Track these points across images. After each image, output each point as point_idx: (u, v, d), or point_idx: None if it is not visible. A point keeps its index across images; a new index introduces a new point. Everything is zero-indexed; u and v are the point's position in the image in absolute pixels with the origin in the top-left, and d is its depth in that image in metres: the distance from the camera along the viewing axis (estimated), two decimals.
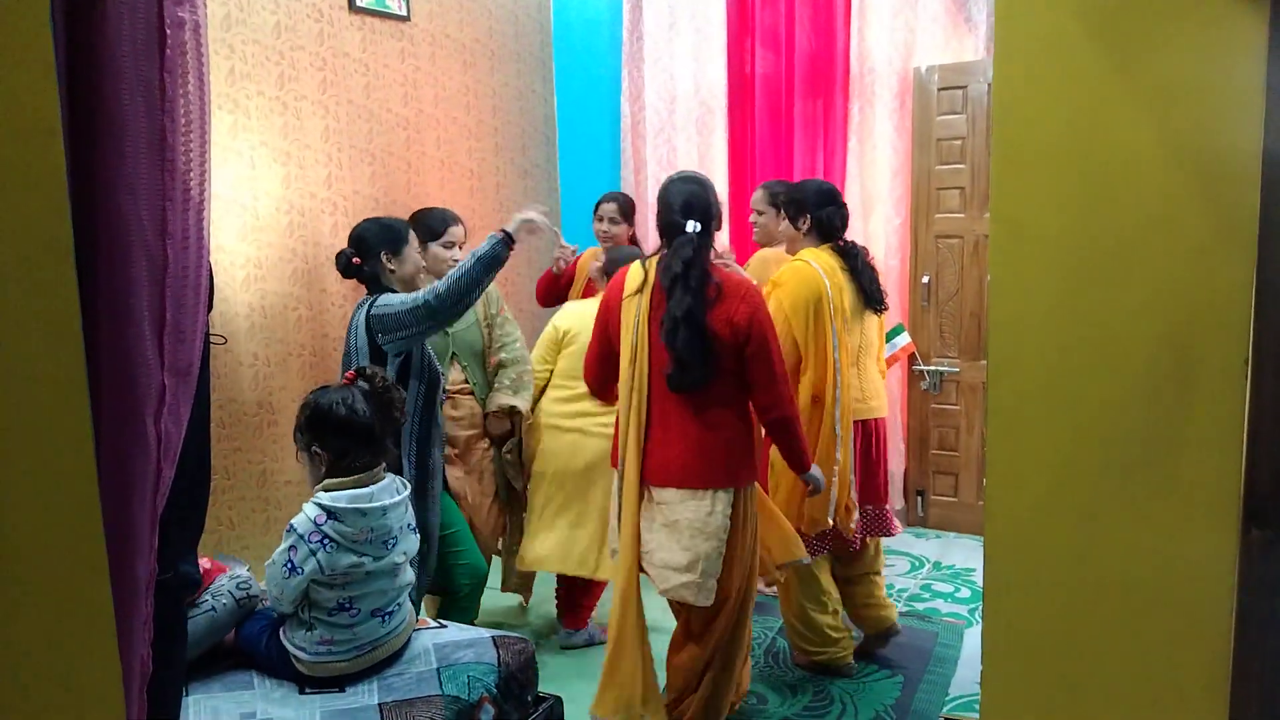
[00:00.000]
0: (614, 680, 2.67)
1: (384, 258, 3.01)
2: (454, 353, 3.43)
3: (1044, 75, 1.53)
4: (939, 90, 4.50)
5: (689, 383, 2.56)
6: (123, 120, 1.17)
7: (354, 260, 3.02)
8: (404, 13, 4.26)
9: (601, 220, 4.06)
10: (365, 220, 3.19)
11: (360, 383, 2.37)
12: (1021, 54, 1.54)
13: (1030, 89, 1.54)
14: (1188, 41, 1.44)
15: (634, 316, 2.65)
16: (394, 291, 2.96)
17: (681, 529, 2.58)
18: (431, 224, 3.40)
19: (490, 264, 2.83)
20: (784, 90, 4.94)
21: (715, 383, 2.58)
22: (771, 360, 2.58)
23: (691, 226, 2.60)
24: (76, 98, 1.14)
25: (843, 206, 3.30)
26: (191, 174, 1.24)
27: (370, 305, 2.88)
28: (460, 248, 3.50)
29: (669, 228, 2.66)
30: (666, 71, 5.21)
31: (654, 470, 2.63)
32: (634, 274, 2.71)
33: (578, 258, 4.07)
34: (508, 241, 2.86)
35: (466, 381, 3.46)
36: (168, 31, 1.19)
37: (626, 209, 4.07)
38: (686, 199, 2.65)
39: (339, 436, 2.28)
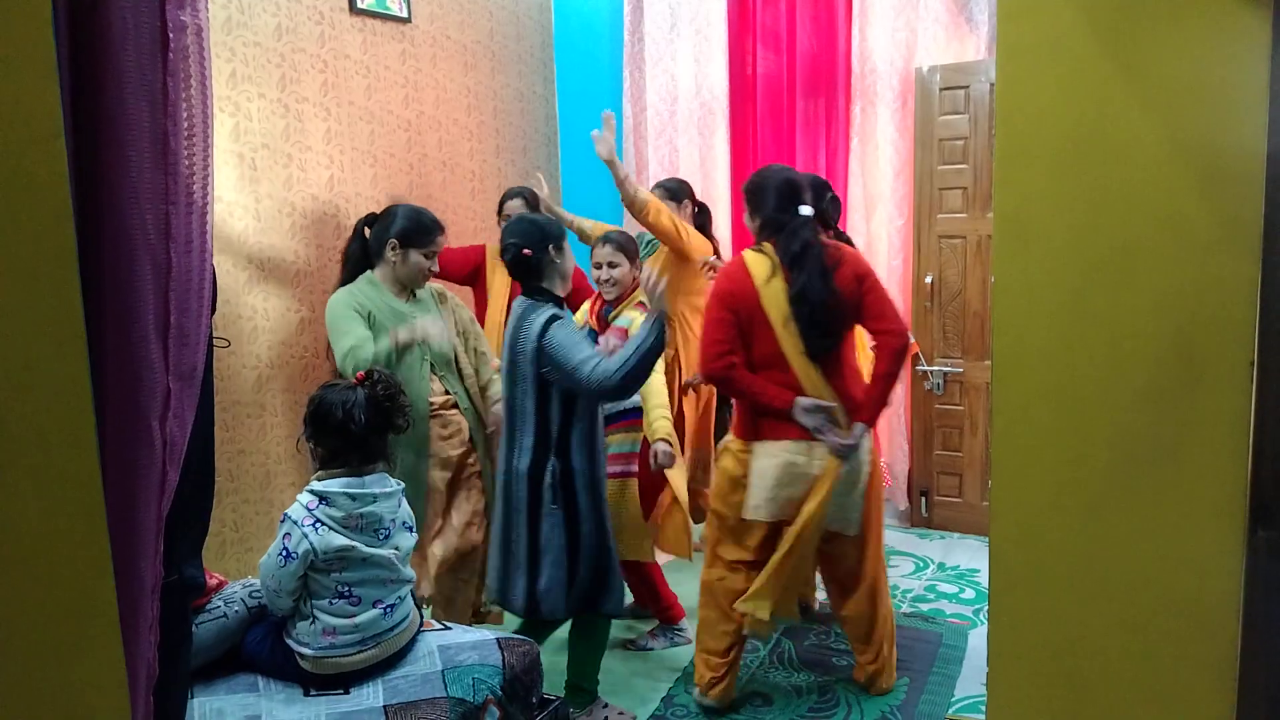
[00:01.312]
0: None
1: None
2: (430, 362, 3.17)
3: (1048, 75, 1.53)
4: (941, 90, 4.49)
5: (826, 347, 2.88)
6: (125, 124, 1.17)
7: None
8: (405, 15, 4.26)
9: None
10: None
11: (367, 386, 2.37)
12: (1025, 54, 1.54)
13: (1034, 89, 1.54)
14: (1192, 42, 1.43)
15: (780, 297, 2.86)
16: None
17: (840, 473, 2.88)
18: (422, 228, 3.17)
19: (655, 354, 2.69)
20: (785, 91, 4.93)
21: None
22: (883, 291, 2.94)
23: (805, 210, 2.91)
24: (79, 102, 1.14)
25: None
26: (194, 177, 1.24)
27: (547, 328, 2.71)
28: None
29: (776, 215, 2.92)
30: (668, 72, 5.20)
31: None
32: (757, 262, 2.90)
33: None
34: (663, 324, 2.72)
35: (448, 393, 3.22)
36: (170, 35, 1.19)
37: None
38: (789, 186, 2.94)
39: (333, 437, 2.33)
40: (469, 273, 4.06)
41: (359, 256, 3.20)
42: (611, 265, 3.39)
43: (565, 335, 2.69)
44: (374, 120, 4.10)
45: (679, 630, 3.62)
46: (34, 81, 0.98)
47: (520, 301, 2.85)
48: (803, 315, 2.83)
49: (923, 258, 4.62)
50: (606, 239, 3.45)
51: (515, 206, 3.92)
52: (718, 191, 5.15)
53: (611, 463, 3.31)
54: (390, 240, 3.08)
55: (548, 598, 2.75)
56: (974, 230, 4.50)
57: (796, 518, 2.88)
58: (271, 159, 3.61)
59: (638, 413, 3.36)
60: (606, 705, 3.03)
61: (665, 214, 3.73)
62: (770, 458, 2.90)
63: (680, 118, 5.20)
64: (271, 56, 3.60)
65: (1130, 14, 1.47)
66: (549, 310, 2.75)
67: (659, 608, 3.63)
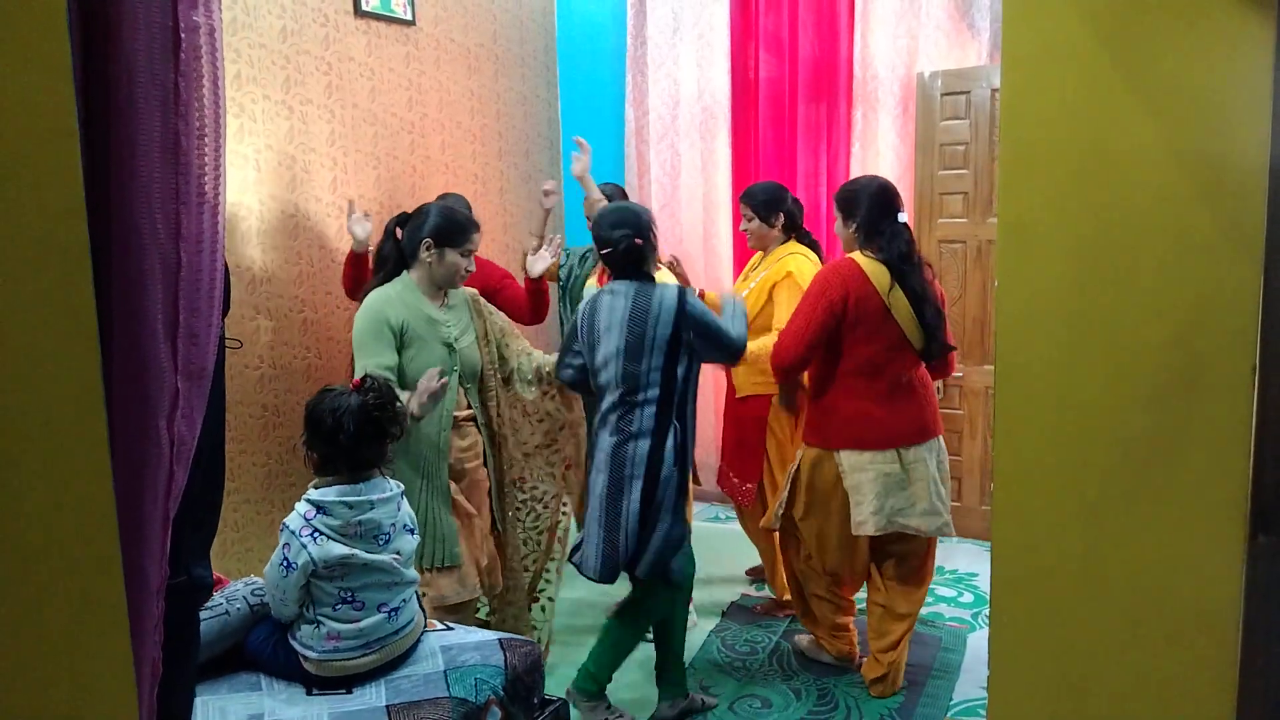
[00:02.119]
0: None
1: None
2: (459, 373, 3.09)
3: (1051, 80, 1.53)
4: (942, 95, 4.51)
5: (936, 353, 3.06)
6: (136, 124, 1.17)
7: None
8: (409, 17, 4.27)
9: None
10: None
11: (361, 393, 2.36)
12: (1030, 62, 1.55)
13: (1037, 94, 1.55)
14: (1195, 47, 1.44)
15: (904, 302, 3.00)
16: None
17: (931, 476, 3.08)
18: (456, 226, 3.08)
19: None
20: (787, 95, 4.95)
21: None
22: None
23: (903, 217, 3.07)
24: (90, 102, 1.15)
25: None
26: (206, 177, 1.24)
27: (684, 300, 2.86)
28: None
29: (878, 222, 3.05)
30: (670, 77, 5.22)
31: (906, 433, 3.07)
32: (875, 270, 3.02)
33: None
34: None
35: (469, 407, 3.15)
36: (182, 36, 1.20)
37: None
38: (885, 194, 3.09)
39: (323, 444, 2.33)
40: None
41: (396, 258, 3.08)
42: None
43: (701, 304, 2.91)
44: (377, 122, 4.11)
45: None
46: (48, 78, 0.98)
47: (622, 285, 2.94)
48: (927, 317, 3.00)
49: None
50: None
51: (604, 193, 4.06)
52: (718, 196, 5.16)
53: None
54: (425, 240, 2.98)
55: (666, 555, 2.90)
56: (974, 235, 4.51)
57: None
58: (275, 160, 3.62)
59: None
60: (610, 707, 3.03)
61: None
62: (862, 471, 3.04)
63: (682, 122, 5.21)
64: (276, 58, 3.61)
65: (1135, 22, 1.47)
66: (670, 286, 2.91)
67: None
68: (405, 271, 3.07)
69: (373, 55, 4.09)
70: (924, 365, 3.12)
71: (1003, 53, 1.57)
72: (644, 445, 2.84)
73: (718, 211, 5.18)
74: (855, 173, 4.76)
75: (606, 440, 2.91)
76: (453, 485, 3.04)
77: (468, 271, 3.09)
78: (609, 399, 2.92)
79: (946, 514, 3.13)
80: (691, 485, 3.43)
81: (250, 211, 3.54)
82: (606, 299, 2.95)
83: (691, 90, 5.18)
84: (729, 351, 2.94)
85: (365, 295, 3.05)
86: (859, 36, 4.72)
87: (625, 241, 2.91)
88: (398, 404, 2.41)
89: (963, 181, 4.51)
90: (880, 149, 4.71)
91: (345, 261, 3.72)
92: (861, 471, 3.04)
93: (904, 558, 3.22)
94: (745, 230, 3.83)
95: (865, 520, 3.04)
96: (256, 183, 3.55)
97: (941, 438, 3.20)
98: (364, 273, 3.51)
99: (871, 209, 3.08)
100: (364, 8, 3.99)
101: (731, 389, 3.84)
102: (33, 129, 0.97)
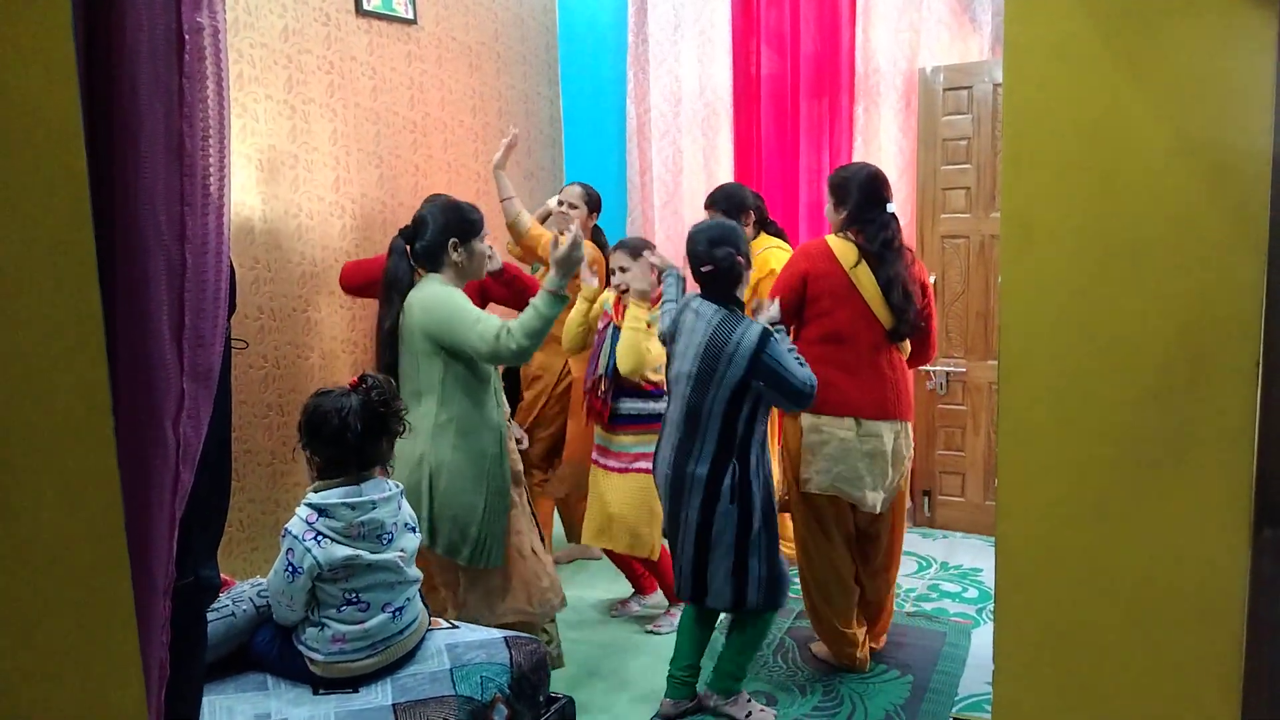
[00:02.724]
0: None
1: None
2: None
3: (1054, 75, 1.53)
4: (944, 90, 4.50)
5: (904, 333, 3.15)
6: (140, 126, 1.18)
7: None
8: (410, 16, 4.27)
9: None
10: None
11: (361, 392, 2.35)
12: (1032, 54, 1.55)
13: (1041, 89, 1.55)
14: (1198, 40, 1.44)
15: (870, 280, 3.09)
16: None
17: (884, 454, 3.15)
18: (470, 217, 3.04)
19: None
20: (789, 91, 4.94)
21: None
22: (934, 310, 3.26)
23: (891, 207, 3.17)
24: (94, 103, 1.15)
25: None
26: (210, 179, 1.25)
27: (766, 342, 2.77)
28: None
29: (865, 210, 3.14)
30: (671, 73, 5.21)
31: (863, 406, 3.13)
32: (843, 248, 3.13)
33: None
34: None
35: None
36: (186, 37, 1.20)
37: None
38: (874, 183, 3.16)
39: (329, 446, 2.31)
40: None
41: (409, 278, 2.98)
42: (623, 270, 3.47)
43: (781, 349, 2.82)
44: (379, 121, 4.12)
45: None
46: (53, 81, 0.98)
47: (709, 308, 2.87)
48: (893, 299, 3.07)
49: (926, 258, 4.63)
50: (621, 244, 3.56)
51: (573, 194, 4.17)
52: None
53: (619, 459, 3.55)
54: (451, 240, 2.92)
55: (714, 585, 2.89)
56: (977, 230, 4.50)
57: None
58: (278, 160, 3.62)
59: (652, 418, 3.44)
60: (750, 699, 3.07)
61: (544, 242, 3.95)
62: (817, 432, 3.13)
63: (684, 118, 5.21)
64: (278, 58, 3.61)
65: (1137, 13, 1.47)
66: (757, 324, 2.82)
67: (665, 584, 3.75)
68: (430, 278, 2.95)
69: (374, 54, 4.09)
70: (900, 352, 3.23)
71: (1005, 46, 1.57)
72: (702, 471, 2.85)
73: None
74: None
75: (668, 452, 2.93)
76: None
77: (490, 258, 3.08)
78: (675, 409, 2.93)
79: (890, 495, 3.22)
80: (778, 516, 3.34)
81: (253, 211, 3.54)
82: (690, 317, 2.90)
83: (693, 86, 5.17)
84: (797, 400, 2.81)
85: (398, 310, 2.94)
86: (860, 31, 4.71)
87: (729, 260, 2.85)
88: (396, 401, 2.40)
89: (965, 176, 4.51)
90: (883, 144, 4.71)
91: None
92: (817, 433, 3.15)
93: (868, 538, 3.32)
94: None
95: (810, 478, 3.16)
96: (259, 182, 3.55)
97: (908, 425, 3.26)
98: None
99: (861, 197, 3.13)
100: (365, 7, 4.00)
101: None
102: (37, 132, 0.97)
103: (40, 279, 0.98)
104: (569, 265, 2.74)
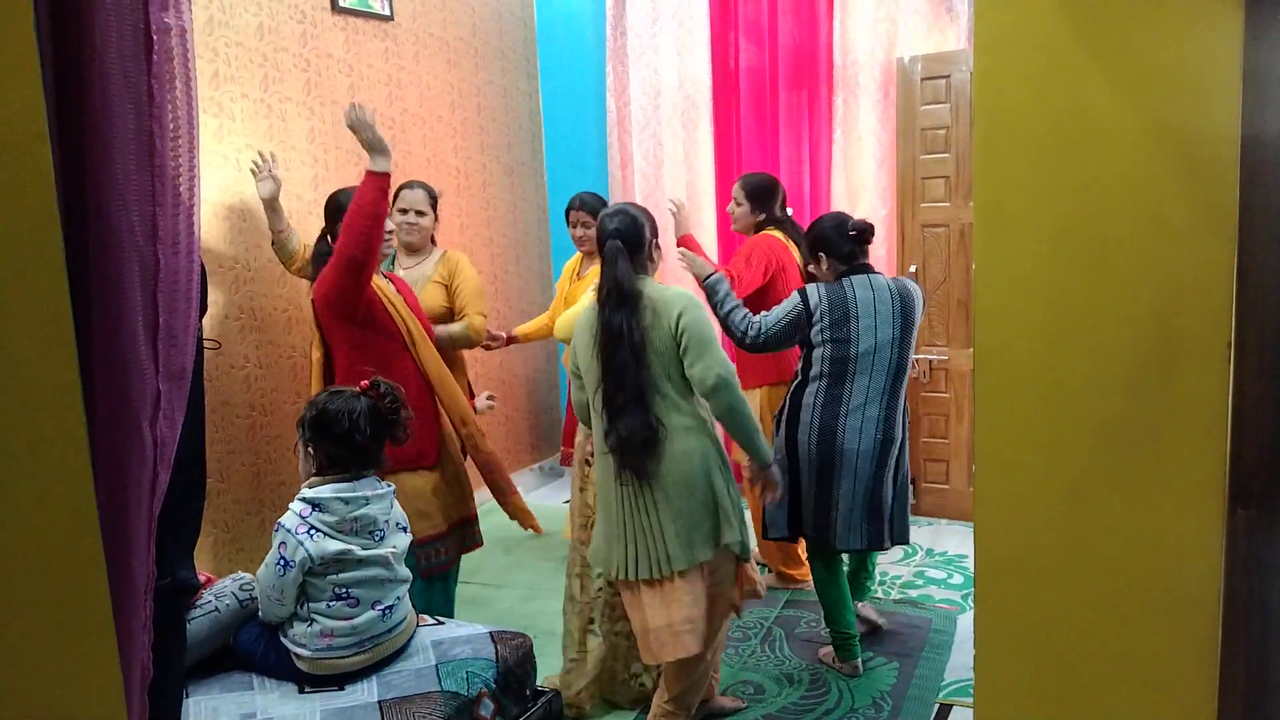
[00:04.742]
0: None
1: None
2: None
3: (1024, 64, 1.54)
4: (922, 80, 4.51)
5: None
6: (110, 127, 1.17)
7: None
8: (387, 13, 4.26)
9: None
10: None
11: (372, 396, 2.39)
12: (1002, 44, 1.56)
13: (1011, 79, 1.56)
14: (1166, 28, 1.45)
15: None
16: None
17: None
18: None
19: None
20: (768, 83, 4.94)
21: None
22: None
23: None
24: (64, 105, 1.15)
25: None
26: (181, 178, 1.24)
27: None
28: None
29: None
30: (650, 66, 5.21)
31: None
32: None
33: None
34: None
35: None
36: (154, 38, 1.20)
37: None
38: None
39: (336, 446, 2.33)
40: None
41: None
42: (587, 226, 3.71)
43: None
44: None
45: None
46: (17, 83, 0.98)
47: (874, 278, 3.12)
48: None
49: (907, 247, 4.65)
50: (581, 202, 3.78)
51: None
52: (702, 184, 5.17)
53: None
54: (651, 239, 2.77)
55: (884, 528, 3.18)
56: (957, 219, 4.52)
57: None
58: (256, 159, 3.60)
59: None
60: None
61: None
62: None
63: (664, 111, 5.21)
64: (254, 56, 3.60)
65: (1105, 3, 1.48)
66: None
67: None
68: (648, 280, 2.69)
69: (351, 51, 4.07)
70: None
71: (975, 36, 1.58)
72: (900, 433, 3.18)
73: (701, 200, 5.18)
74: (837, 159, 4.78)
75: (870, 426, 3.09)
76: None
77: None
78: (875, 381, 3.07)
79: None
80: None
81: (231, 211, 3.52)
82: (858, 293, 3.08)
83: (672, 80, 5.17)
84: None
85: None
86: (838, 23, 4.72)
87: (871, 234, 3.20)
88: (405, 410, 2.42)
89: (944, 166, 4.53)
90: (861, 134, 4.72)
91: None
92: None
93: None
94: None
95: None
96: (237, 182, 3.54)
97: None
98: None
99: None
100: (341, 4, 3.98)
101: None
102: (4, 134, 0.97)
103: (9, 281, 0.98)
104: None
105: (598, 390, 2.54)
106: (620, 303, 2.52)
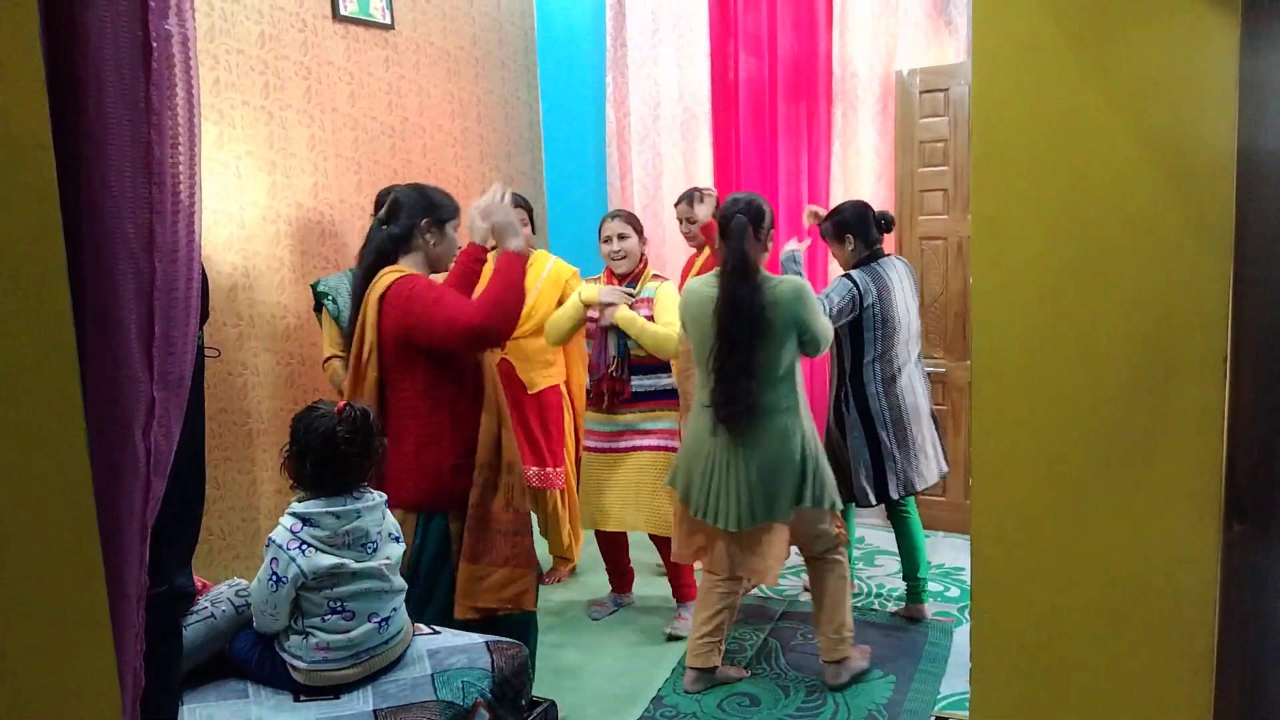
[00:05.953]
0: None
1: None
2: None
3: (1021, 77, 1.55)
4: (921, 93, 4.53)
5: None
6: (106, 135, 1.17)
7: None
8: (388, 21, 4.27)
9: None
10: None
11: (347, 415, 2.32)
12: (999, 57, 1.56)
13: (1008, 91, 1.56)
14: (1162, 41, 1.46)
15: None
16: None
17: None
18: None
19: None
20: (767, 95, 4.96)
21: None
22: None
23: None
24: (61, 113, 1.15)
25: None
26: (180, 186, 1.24)
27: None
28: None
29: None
30: (650, 77, 5.23)
31: None
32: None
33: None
34: None
35: None
36: (154, 45, 1.19)
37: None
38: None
39: (316, 466, 2.29)
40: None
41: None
42: (621, 238, 3.64)
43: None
44: (358, 127, 4.11)
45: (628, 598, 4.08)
46: (21, 91, 0.98)
47: (895, 261, 3.57)
48: None
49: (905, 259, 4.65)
50: (615, 214, 3.72)
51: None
52: None
53: (626, 438, 3.70)
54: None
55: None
56: (955, 232, 4.53)
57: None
58: (256, 166, 3.61)
59: (661, 394, 3.68)
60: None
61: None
62: None
63: (663, 122, 5.23)
64: (255, 64, 3.61)
65: (1102, 16, 1.49)
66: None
67: (627, 578, 4.05)
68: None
69: (351, 60, 4.08)
70: None
71: (973, 49, 1.59)
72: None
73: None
74: (836, 171, 4.79)
75: (919, 387, 3.63)
76: None
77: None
78: (914, 350, 3.59)
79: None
80: None
81: (231, 218, 3.53)
82: (889, 278, 3.47)
83: (672, 91, 5.19)
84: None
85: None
86: (838, 35, 4.74)
87: (894, 223, 3.73)
88: (374, 441, 2.37)
89: (943, 178, 4.54)
90: (860, 147, 4.73)
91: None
92: None
93: None
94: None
95: None
96: (237, 189, 3.54)
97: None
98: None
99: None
100: (342, 12, 3.99)
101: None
102: (7, 144, 0.97)
103: (11, 290, 0.98)
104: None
105: (709, 353, 2.94)
106: (744, 276, 2.90)
